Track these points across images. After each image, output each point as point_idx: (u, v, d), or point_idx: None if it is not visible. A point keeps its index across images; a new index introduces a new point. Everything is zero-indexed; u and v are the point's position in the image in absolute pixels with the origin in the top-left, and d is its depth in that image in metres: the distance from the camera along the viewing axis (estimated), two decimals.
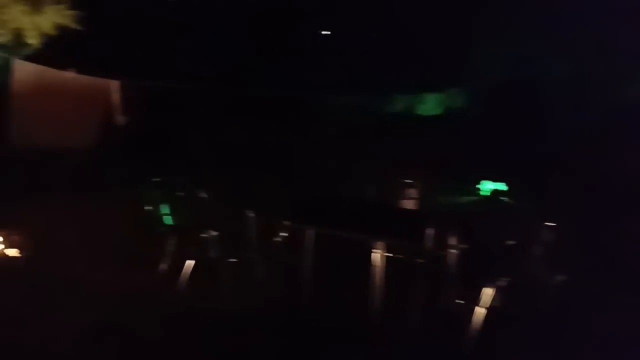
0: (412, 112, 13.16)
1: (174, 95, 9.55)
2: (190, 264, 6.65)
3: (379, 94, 12.08)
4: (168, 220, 6.43)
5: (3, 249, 7.74)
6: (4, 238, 7.79)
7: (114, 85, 9.75)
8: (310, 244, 6.24)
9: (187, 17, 11.92)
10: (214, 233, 6.44)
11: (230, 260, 6.52)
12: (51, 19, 7.87)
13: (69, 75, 9.59)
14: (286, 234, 6.43)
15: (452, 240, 6.05)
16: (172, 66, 10.72)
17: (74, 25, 8.08)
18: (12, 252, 7.77)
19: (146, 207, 6.40)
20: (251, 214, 6.55)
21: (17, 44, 8.37)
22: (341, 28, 13.11)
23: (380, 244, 6.00)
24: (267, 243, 6.51)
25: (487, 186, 10.46)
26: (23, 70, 9.39)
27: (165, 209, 6.41)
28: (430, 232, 6.14)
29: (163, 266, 6.86)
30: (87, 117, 9.71)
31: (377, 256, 6.05)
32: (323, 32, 13.21)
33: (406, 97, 12.77)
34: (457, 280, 5.90)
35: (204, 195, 6.78)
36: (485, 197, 10.41)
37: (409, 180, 8.59)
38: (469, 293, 5.75)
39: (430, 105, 13.42)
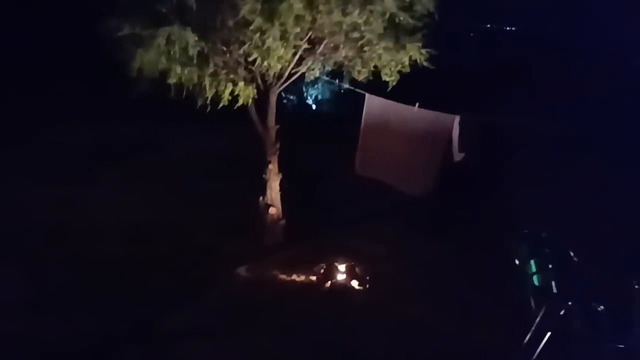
0: None
1: (518, 133, 8.75)
2: (549, 336, 5.67)
3: None
4: (535, 280, 5.58)
5: (346, 279, 7.93)
6: (347, 269, 7.99)
7: (455, 120, 9.40)
8: None
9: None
10: (588, 305, 5.35)
11: (604, 342, 5.34)
12: (410, 55, 7.81)
13: (413, 109, 9.57)
14: None
15: None
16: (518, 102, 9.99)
17: (426, 64, 7.88)
18: (354, 284, 7.91)
19: (516, 261, 5.65)
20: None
21: (370, 82, 8.59)
22: None
23: None
24: None
25: None
26: (372, 103, 9.71)
27: (532, 266, 5.57)
28: None
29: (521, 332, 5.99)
30: (425, 152, 9.56)
31: None
32: None
33: None
34: None
35: (572, 255, 5.74)
36: None
37: None
38: None
39: None
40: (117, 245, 8.47)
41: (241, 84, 7.65)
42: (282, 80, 8.24)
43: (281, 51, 7.02)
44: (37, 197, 9.65)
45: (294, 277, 8.07)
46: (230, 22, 7.09)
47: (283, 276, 8.08)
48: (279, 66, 7.36)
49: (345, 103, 12.34)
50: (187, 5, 6.90)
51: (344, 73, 8.41)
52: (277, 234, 8.94)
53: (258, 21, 6.81)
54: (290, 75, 8.17)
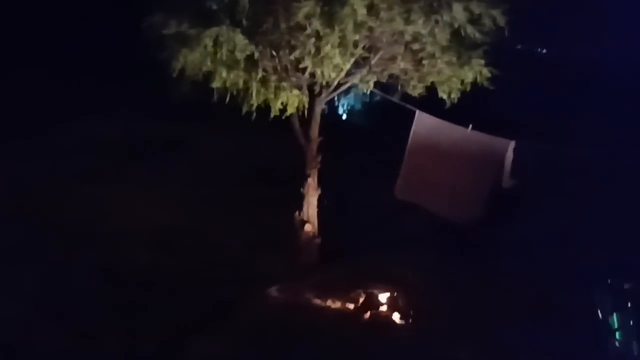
0: None
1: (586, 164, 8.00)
2: None
3: None
4: (617, 335, 4.89)
5: (388, 311, 7.30)
6: (388, 300, 7.36)
7: (509, 145, 8.74)
8: None
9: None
10: None
11: None
12: (474, 72, 7.17)
13: (466, 130, 8.94)
14: None
15: None
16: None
17: (486, 83, 7.23)
18: (396, 317, 7.26)
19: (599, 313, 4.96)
20: None
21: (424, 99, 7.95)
22: None
23: None
24: None
25: None
26: (422, 121, 9.11)
27: (615, 321, 4.89)
28: None
29: None
30: (473, 176, 8.92)
31: None
32: None
33: None
34: None
35: None
36: None
37: None
38: None
39: None
40: (141, 255, 7.94)
41: (295, 91, 7.12)
42: (330, 90, 7.68)
43: (338, 59, 6.44)
44: (62, 195, 9.18)
45: (330, 302, 7.46)
46: (284, 25, 6.55)
47: (318, 301, 7.48)
48: (333, 75, 6.78)
49: (384, 115, 11.71)
50: (239, 5, 6.37)
51: (398, 87, 7.76)
52: (312, 252, 8.34)
53: (315, 25, 6.26)
54: (339, 85, 7.60)
